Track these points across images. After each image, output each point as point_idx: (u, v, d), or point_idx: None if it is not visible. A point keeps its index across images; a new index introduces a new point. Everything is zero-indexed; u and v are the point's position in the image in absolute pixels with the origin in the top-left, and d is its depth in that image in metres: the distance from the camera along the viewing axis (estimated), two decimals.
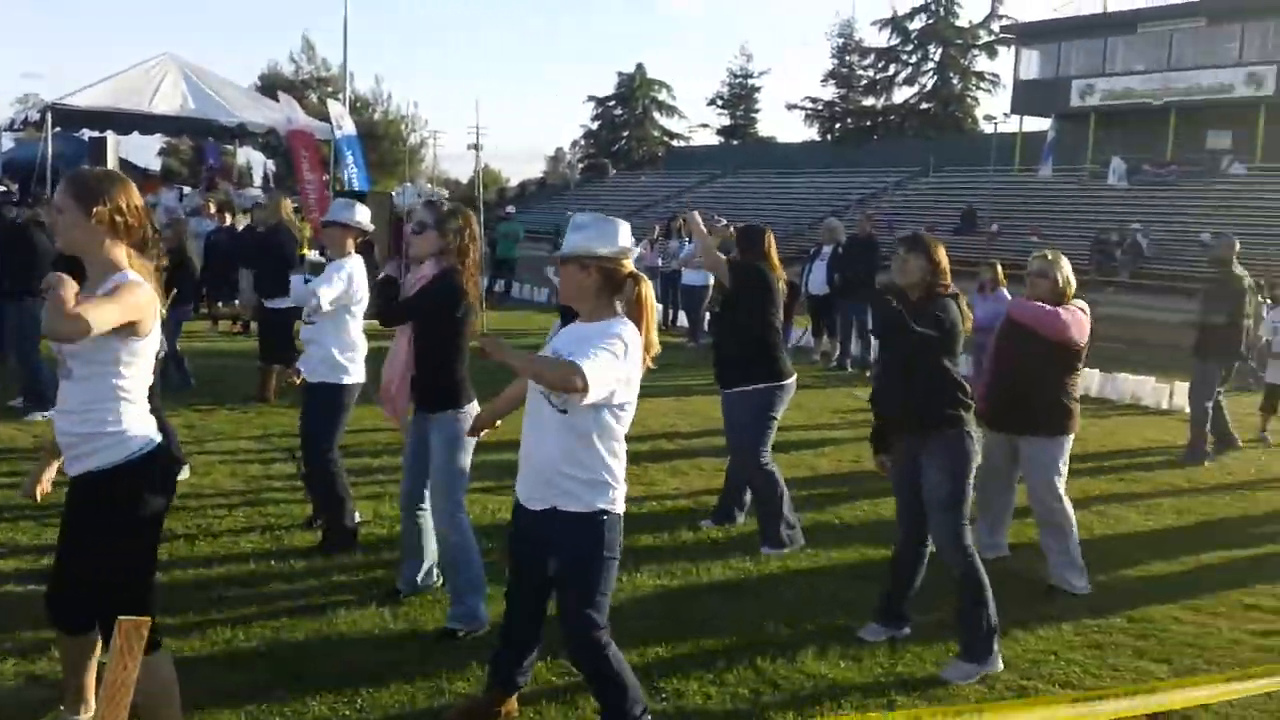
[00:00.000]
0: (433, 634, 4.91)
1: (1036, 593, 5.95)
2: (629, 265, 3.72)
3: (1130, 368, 14.12)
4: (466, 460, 5.01)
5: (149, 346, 3.40)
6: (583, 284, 3.67)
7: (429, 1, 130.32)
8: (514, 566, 3.91)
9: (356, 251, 6.12)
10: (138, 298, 3.28)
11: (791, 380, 6.56)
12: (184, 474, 7.15)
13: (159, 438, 3.44)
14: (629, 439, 3.78)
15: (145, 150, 60.30)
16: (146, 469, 3.35)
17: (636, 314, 3.72)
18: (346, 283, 5.94)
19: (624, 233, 3.73)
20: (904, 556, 5.18)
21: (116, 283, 3.29)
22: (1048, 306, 6.02)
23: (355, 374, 6.06)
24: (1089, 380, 13.29)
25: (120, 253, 3.38)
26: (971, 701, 4.50)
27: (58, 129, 20.71)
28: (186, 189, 24.17)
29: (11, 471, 7.21)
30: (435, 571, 5.38)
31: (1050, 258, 6.19)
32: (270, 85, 52.04)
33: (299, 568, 5.71)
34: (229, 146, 28.85)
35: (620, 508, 3.71)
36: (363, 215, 6.17)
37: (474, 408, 4.98)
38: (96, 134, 22.35)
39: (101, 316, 3.12)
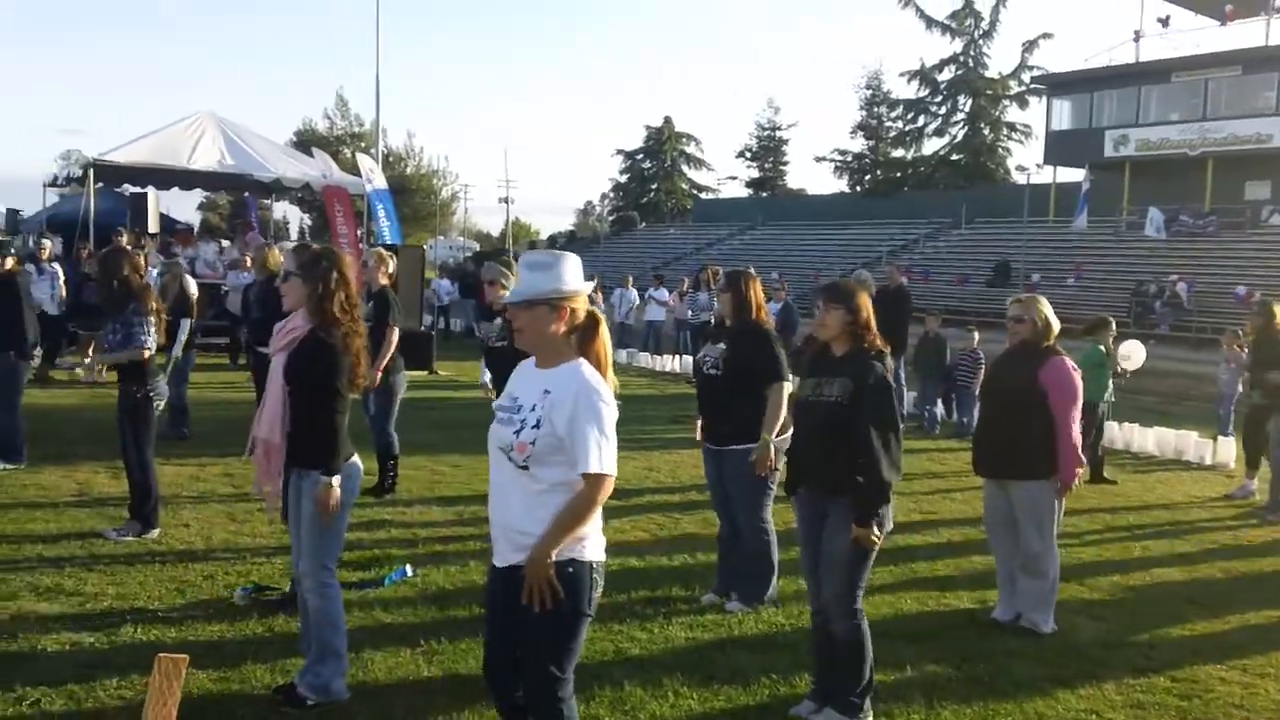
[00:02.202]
0: (467, 678, 4.86)
1: (1074, 649, 5.82)
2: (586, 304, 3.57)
3: (1172, 421, 13.92)
4: (342, 523, 4.73)
5: None
6: (553, 327, 3.47)
7: (460, 59, 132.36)
8: (489, 623, 3.69)
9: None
10: None
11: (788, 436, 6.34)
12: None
13: None
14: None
15: (185, 204, 61.37)
16: None
17: (597, 355, 3.54)
18: None
19: (580, 269, 3.58)
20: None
21: None
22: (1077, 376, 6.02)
23: None
24: (1129, 435, 13.12)
25: None
26: None
27: (100, 184, 21.05)
28: (225, 243, 24.47)
29: None
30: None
31: (1025, 300, 6.18)
32: (305, 141, 52.96)
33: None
34: (266, 201, 29.23)
35: (591, 554, 3.44)
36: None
37: (352, 466, 4.73)
38: (137, 189, 22.70)
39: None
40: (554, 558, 3.34)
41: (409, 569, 6.53)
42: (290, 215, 43.03)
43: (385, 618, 5.79)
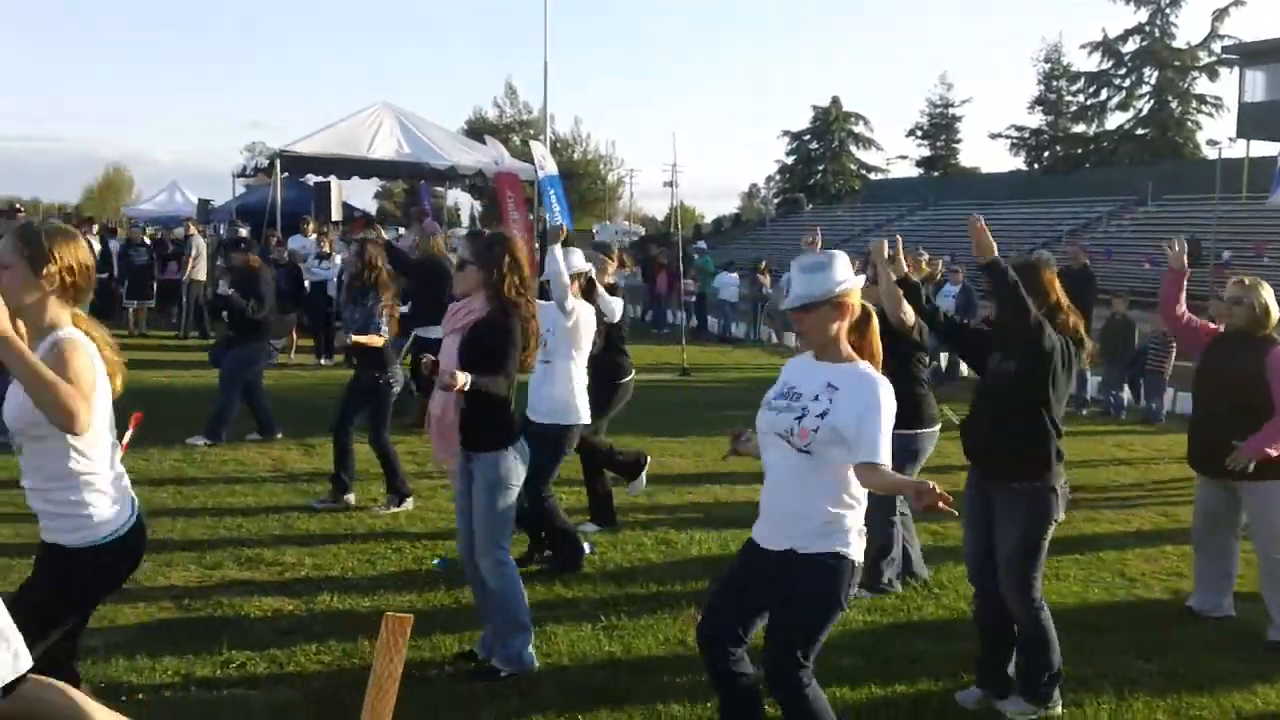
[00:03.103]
0: (648, 655, 4.91)
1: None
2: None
3: None
4: (513, 503, 4.80)
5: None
6: (835, 325, 3.58)
7: (626, 43, 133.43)
8: (726, 595, 3.72)
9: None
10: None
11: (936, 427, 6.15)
12: (408, 504, 7.52)
13: (127, 519, 3.28)
14: None
15: (362, 193, 63.83)
16: (107, 556, 3.23)
17: (871, 346, 3.70)
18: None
19: (849, 265, 3.66)
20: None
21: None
22: None
23: (584, 415, 6.23)
24: None
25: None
26: None
27: (285, 174, 22.08)
28: (401, 230, 25.34)
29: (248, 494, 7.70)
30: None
31: (1249, 283, 5.70)
32: (476, 129, 54.30)
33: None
34: (439, 189, 30.13)
35: (857, 557, 3.56)
36: (578, 260, 6.35)
37: (522, 446, 4.81)
38: (320, 179, 23.74)
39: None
40: (824, 549, 3.48)
41: (587, 546, 6.63)
42: (461, 202, 44.33)
43: (566, 593, 5.90)
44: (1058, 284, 4.70)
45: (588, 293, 6.50)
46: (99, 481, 3.20)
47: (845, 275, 3.58)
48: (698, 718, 4.39)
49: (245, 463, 8.76)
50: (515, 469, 4.75)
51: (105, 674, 4.55)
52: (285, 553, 6.40)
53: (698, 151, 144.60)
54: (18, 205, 23.21)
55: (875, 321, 3.75)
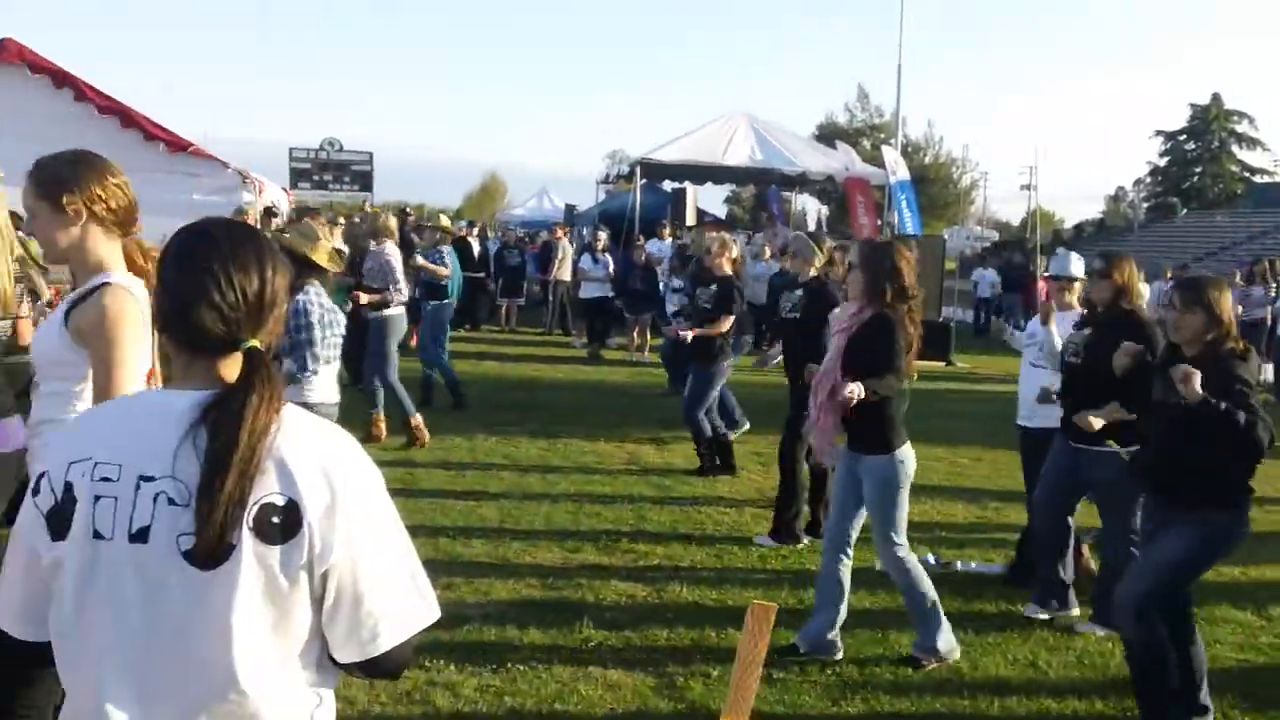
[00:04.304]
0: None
1: None
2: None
3: None
4: (904, 501, 4.90)
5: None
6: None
7: (983, 44, 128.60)
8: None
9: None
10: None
11: None
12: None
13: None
14: None
15: (713, 198, 65.38)
16: None
17: None
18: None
19: None
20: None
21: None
22: None
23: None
24: None
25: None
26: None
27: (644, 181, 23.09)
28: (749, 234, 25.85)
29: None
30: (838, 640, 5.07)
31: None
32: (827, 134, 54.26)
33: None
34: (787, 194, 30.43)
35: None
36: (1077, 267, 6.21)
37: (907, 451, 4.88)
38: (677, 185, 24.66)
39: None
40: None
41: (931, 557, 6.56)
42: (808, 207, 44.59)
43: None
44: None
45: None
46: None
47: None
48: None
49: (601, 455, 9.30)
50: (902, 469, 4.89)
51: (477, 640, 5.02)
52: (639, 542, 6.77)
53: (1057, 152, 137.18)
54: (408, 209, 25.75)
55: None
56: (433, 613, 1.74)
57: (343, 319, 5.69)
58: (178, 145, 13.65)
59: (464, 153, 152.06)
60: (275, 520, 1.60)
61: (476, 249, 18.59)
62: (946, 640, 4.97)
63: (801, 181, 24.88)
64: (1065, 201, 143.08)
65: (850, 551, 5.07)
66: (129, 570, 1.61)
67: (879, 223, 21.91)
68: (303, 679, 1.70)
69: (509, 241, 21.71)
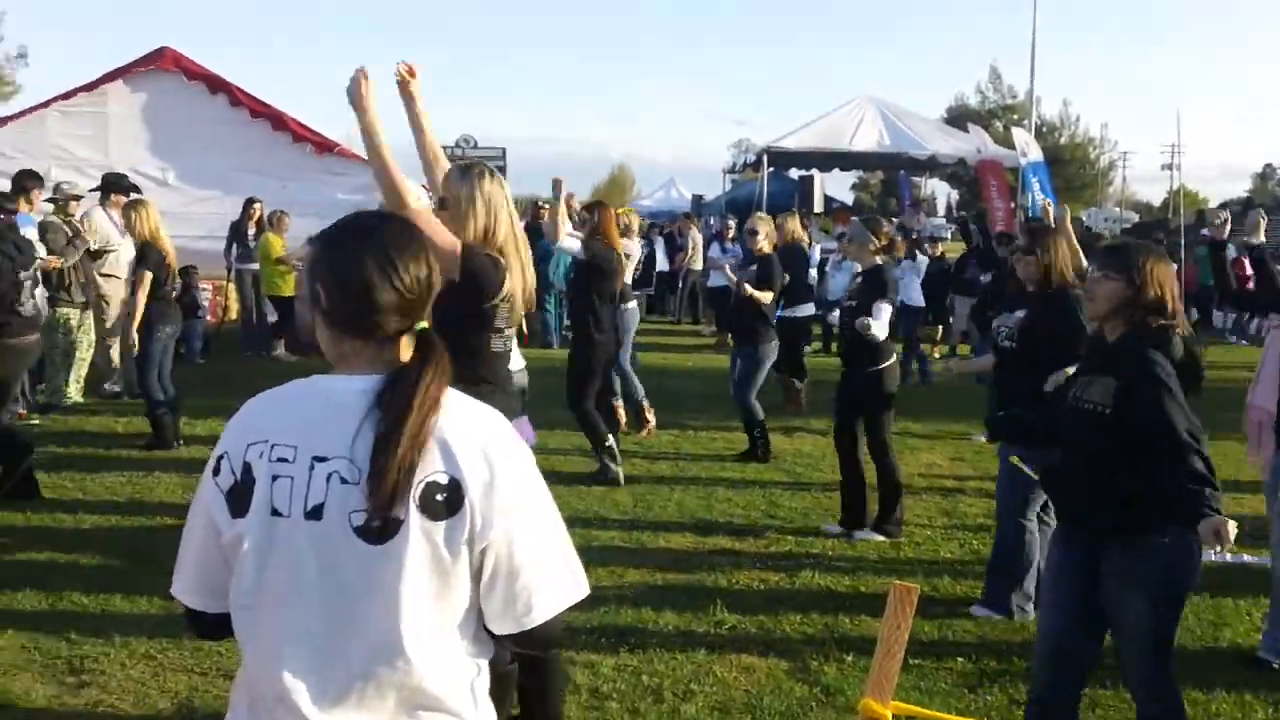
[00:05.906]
0: None
1: None
2: None
3: None
4: None
5: None
6: None
7: (1120, 14, 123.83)
8: None
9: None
10: None
11: None
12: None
13: None
14: None
15: (840, 185, 64.68)
16: None
17: None
18: None
19: None
20: None
21: None
22: None
23: None
24: None
25: None
26: None
27: (771, 169, 22.99)
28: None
29: None
30: None
31: None
32: (958, 117, 53.05)
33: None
34: (917, 179, 29.91)
35: None
36: None
37: None
38: (803, 172, 24.48)
39: None
40: None
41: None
42: (938, 191, 43.75)
43: None
44: None
45: None
46: None
47: None
48: None
49: (732, 442, 9.34)
50: None
51: (613, 622, 5.14)
52: (771, 528, 6.82)
53: (1202, 129, 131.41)
54: (540, 202, 26.11)
55: None
56: (582, 589, 1.83)
57: None
58: (324, 146, 14.11)
59: (592, 146, 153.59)
60: (439, 498, 1.71)
61: None
62: None
63: (931, 166, 24.45)
64: (1210, 180, 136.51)
65: None
66: (305, 545, 1.73)
67: (1013, 206, 21.38)
68: (462, 649, 1.81)
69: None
